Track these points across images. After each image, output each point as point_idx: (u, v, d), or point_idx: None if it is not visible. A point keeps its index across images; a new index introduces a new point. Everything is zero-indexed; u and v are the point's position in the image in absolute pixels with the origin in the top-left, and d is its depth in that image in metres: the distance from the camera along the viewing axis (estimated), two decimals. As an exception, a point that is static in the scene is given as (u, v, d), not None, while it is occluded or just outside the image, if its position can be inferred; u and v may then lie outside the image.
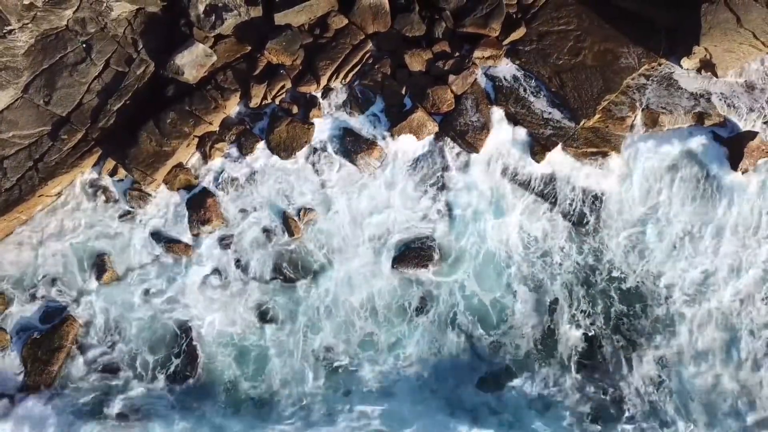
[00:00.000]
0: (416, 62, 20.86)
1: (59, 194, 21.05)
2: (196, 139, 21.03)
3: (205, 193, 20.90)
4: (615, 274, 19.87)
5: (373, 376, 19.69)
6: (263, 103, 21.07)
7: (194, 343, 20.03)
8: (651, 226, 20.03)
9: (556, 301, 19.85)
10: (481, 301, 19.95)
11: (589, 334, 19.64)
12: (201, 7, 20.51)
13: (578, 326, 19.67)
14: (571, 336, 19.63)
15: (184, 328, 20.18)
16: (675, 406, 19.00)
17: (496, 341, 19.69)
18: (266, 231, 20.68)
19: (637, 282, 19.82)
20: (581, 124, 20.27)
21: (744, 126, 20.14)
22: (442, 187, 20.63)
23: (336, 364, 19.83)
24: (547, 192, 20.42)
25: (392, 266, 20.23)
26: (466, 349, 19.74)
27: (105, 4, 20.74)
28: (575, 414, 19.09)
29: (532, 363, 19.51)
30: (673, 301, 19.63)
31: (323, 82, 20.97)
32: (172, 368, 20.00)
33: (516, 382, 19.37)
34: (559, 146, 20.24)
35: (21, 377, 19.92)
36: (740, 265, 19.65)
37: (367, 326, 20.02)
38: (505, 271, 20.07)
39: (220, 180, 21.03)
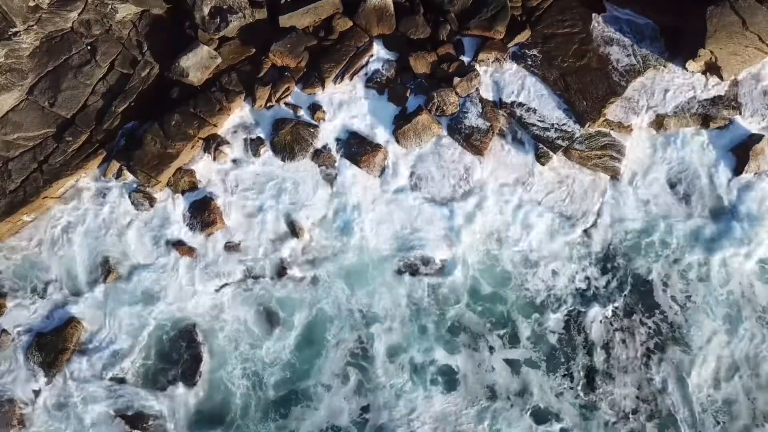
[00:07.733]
0: (421, 64, 20.83)
1: (63, 196, 21.05)
2: (201, 141, 21.02)
3: (209, 195, 20.89)
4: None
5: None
6: (268, 105, 21.07)
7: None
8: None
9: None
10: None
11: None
12: (206, 10, 20.51)
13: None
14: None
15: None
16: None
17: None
18: (270, 232, 20.67)
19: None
20: (586, 126, 20.26)
21: (750, 128, 20.15)
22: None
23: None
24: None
25: None
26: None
27: (110, 6, 20.73)
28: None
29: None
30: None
31: (328, 84, 20.97)
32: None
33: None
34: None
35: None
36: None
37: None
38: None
39: (224, 182, 21.01)
